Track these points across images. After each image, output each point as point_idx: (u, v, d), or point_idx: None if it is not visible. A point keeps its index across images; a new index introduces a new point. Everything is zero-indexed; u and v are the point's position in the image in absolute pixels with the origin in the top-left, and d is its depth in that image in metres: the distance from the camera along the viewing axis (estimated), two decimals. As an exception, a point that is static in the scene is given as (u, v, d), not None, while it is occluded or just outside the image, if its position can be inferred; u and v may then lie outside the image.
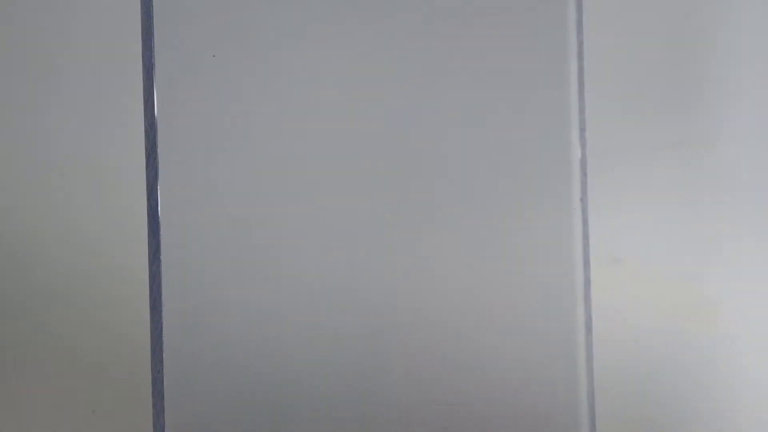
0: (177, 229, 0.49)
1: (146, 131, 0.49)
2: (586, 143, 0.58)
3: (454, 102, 0.55)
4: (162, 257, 0.48)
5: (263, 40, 0.53)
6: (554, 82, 0.58)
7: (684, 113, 0.71)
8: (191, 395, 0.50)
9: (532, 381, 0.58)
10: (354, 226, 0.54)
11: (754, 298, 0.70)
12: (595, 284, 0.72)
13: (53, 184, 0.71)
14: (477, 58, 0.56)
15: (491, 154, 0.56)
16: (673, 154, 0.71)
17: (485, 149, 0.56)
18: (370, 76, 0.54)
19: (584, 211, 0.59)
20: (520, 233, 0.57)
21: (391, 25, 0.54)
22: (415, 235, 0.54)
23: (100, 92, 0.72)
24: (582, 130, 0.58)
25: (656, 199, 0.72)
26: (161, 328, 0.48)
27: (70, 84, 0.73)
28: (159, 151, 0.49)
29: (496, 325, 0.56)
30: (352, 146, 0.54)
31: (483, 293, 0.55)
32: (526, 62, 0.57)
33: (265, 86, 0.53)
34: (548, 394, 0.58)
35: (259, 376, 0.52)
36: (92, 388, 0.69)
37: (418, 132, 0.55)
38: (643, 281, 0.72)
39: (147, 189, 0.49)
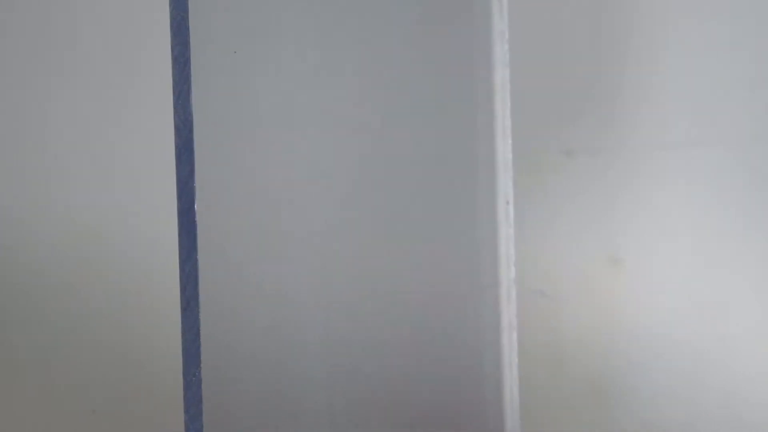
0: (211, 228, 0.48)
1: (177, 128, 0.48)
2: (510, 148, 0.59)
3: (386, 108, 0.55)
4: (198, 257, 0.47)
5: (291, 36, 0.52)
6: (484, 89, 0.59)
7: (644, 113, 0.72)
8: (228, 401, 0.49)
9: (459, 379, 0.58)
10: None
11: (754, 299, 0.71)
12: (594, 285, 0.73)
13: (80, 182, 0.70)
14: (408, 66, 0.56)
15: (423, 159, 0.57)
16: (667, 155, 0.71)
17: (417, 155, 0.57)
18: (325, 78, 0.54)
19: (508, 214, 0.59)
20: (450, 235, 0.57)
21: (336, 36, 0.54)
22: (352, 236, 0.54)
23: (130, 89, 0.71)
24: (506, 135, 0.59)
25: (654, 199, 0.72)
26: (198, 329, 0.47)
27: (98, 82, 0.72)
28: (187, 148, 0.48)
29: (423, 324, 0.56)
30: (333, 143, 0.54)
31: (411, 293, 0.56)
32: (454, 70, 0.58)
33: (295, 83, 0.52)
34: (475, 393, 0.59)
35: (297, 380, 0.51)
36: (120, 389, 0.68)
37: (351, 135, 0.55)
38: (642, 282, 0.72)
39: (178, 188, 0.48)
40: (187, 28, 0.47)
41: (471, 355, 0.59)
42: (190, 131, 0.47)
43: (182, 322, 0.47)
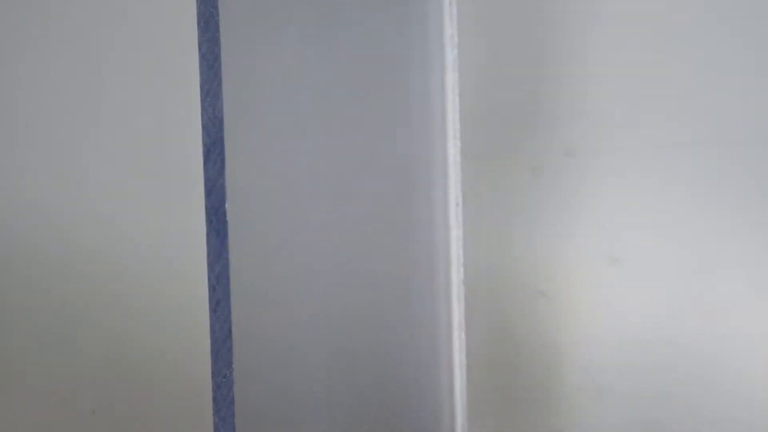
0: (243, 228, 0.47)
1: (206, 126, 0.47)
2: (459, 150, 0.59)
3: (342, 113, 0.55)
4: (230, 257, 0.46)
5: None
6: (434, 93, 0.59)
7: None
8: (258, 403, 0.48)
9: (408, 379, 0.58)
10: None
11: (755, 299, 0.71)
12: (593, 284, 0.73)
13: (110, 183, 0.70)
14: (363, 72, 0.57)
15: (377, 164, 0.57)
16: (676, 153, 0.71)
17: (375, 158, 0.57)
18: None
19: (458, 215, 0.60)
20: (402, 236, 0.58)
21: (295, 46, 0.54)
22: (308, 235, 0.54)
23: (159, 87, 0.70)
24: (455, 138, 0.59)
25: (653, 200, 0.72)
26: (229, 329, 0.46)
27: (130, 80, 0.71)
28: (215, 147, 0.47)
29: (374, 324, 0.56)
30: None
31: (363, 293, 0.56)
32: (405, 74, 0.58)
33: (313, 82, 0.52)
34: (423, 392, 0.59)
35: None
36: (147, 390, 0.67)
37: (312, 137, 0.55)
38: (642, 281, 0.72)
39: (206, 186, 0.47)
40: (217, 24, 0.46)
41: (424, 354, 0.59)
42: (220, 129, 0.46)
43: (211, 323, 0.46)
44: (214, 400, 0.46)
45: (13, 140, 0.73)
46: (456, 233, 0.60)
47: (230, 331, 0.46)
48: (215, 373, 0.46)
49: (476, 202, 0.68)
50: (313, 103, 0.53)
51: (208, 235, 0.47)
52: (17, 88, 0.74)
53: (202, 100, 0.47)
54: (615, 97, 0.72)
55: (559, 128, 0.72)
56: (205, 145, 0.47)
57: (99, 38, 0.73)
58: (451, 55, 0.59)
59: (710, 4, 0.71)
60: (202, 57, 0.47)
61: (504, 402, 0.73)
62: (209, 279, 0.47)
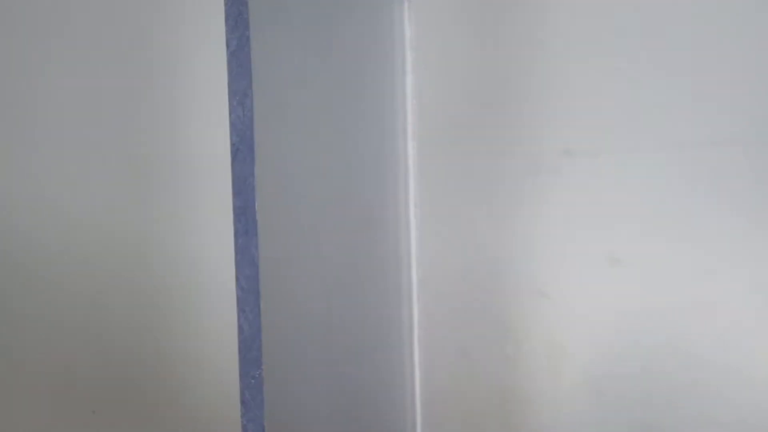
0: (270, 229, 0.47)
1: (234, 125, 0.47)
2: (416, 153, 0.59)
3: (308, 115, 0.55)
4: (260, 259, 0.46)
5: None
6: (396, 97, 0.59)
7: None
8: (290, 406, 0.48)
9: (368, 376, 0.58)
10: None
11: (757, 299, 0.71)
12: (593, 284, 0.73)
13: (136, 183, 0.69)
14: (342, 73, 0.57)
15: (352, 164, 0.57)
16: (676, 153, 0.71)
17: (347, 157, 0.57)
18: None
19: (415, 215, 0.60)
20: (366, 236, 0.58)
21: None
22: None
23: (188, 86, 0.70)
24: (412, 139, 0.60)
25: (654, 200, 0.72)
26: (258, 328, 0.45)
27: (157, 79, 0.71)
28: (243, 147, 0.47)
29: (339, 322, 0.56)
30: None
31: (328, 291, 0.56)
32: (366, 78, 0.58)
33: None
34: (379, 387, 0.59)
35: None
36: (174, 391, 0.67)
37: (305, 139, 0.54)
38: (642, 281, 0.72)
39: (235, 186, 0.47)
40: (246, 22, 0.46)
41: (386, 353, 0.59)
42: (250, 128, 0.46)
43: (240, 323, 0.46)
44: (243, 401, 0.46)
45: (29, 142, 0.72)
46: (413, 234, 0.60)
47: (259, 331, 0.45)
48: (244, 374, 0.46)
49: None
50: (306, 105, 0.53)
51: (236, 234, 0.46)
52: (43, 90, 0.73)
53: (230, 99, 0.47)
54: (613, 98, 0.72)
55: (557, 128, 0.72)
56: (233, 144, 0.46)
57: (124, 37, 0.72)
58: (410, 57, 0.59)
59: (711, 4, 0.71)
60: (231, 55, 0.47)
61: (556, 402, 0.72)
62: (237, 278, 0.46)
